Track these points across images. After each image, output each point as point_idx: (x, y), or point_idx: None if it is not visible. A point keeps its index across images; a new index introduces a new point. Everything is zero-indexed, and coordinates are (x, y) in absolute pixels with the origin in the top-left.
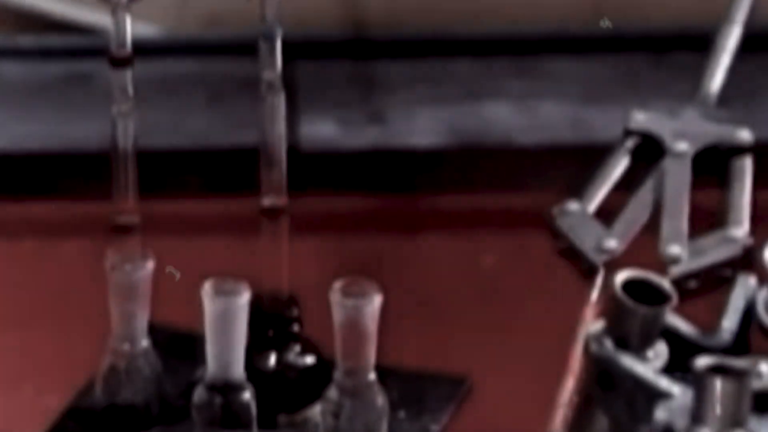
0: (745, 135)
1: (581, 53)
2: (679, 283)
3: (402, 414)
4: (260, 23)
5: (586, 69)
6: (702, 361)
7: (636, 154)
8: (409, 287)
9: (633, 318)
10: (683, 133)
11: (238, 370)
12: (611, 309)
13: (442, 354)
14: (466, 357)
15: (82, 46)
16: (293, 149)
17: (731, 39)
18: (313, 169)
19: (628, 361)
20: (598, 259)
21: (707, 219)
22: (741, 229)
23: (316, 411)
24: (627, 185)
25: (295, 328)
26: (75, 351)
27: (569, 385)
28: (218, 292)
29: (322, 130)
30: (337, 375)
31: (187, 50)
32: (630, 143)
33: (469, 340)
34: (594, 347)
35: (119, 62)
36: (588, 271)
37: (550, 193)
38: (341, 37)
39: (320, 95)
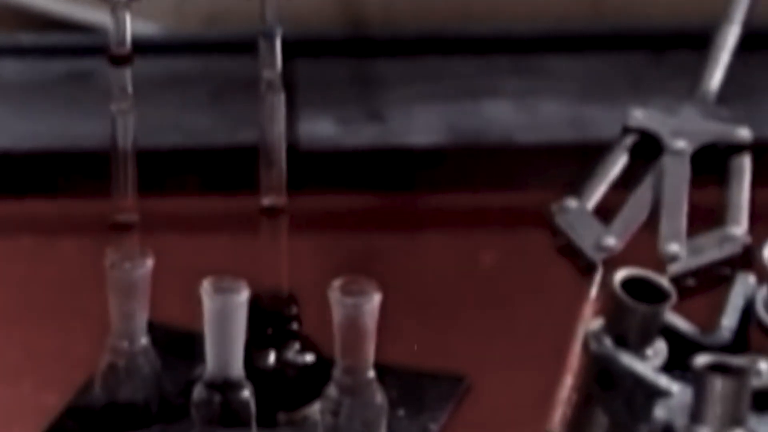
0: (744, 133)
1: (580, 51)
2: (678, 281)
3: (401, 412)
4: (260, 22)
5: (585, 67)
6: (701, 360)
7: (635, 152)
8: (408, 285)
9: (632, 316)
10: (682, 131)
11: (237, 368)
12: (610, 307)
13: (441, 352)
14: (465, 355)
15: (82, 45)
16: (292, 148)
17: (730, 37)
18: (312, 167)
19: (628, 359)
20: (597, 256)
21: (706, 217)
22: (740, 228)
23: (315, 409)
24: (626, 183)
25: (295, 326)
26: (74, 349)
27: (568, 383)
28: (217, 290)
29: (322, 128)
30: (336, 373)
31: (186, 49)
32: (629, 141)
33: (468, 338)
34: (593, 345)
35: (119, 60)
36: (587, 269)
37: (549, 191)
38: (341, 35)
39: (319, 94)
